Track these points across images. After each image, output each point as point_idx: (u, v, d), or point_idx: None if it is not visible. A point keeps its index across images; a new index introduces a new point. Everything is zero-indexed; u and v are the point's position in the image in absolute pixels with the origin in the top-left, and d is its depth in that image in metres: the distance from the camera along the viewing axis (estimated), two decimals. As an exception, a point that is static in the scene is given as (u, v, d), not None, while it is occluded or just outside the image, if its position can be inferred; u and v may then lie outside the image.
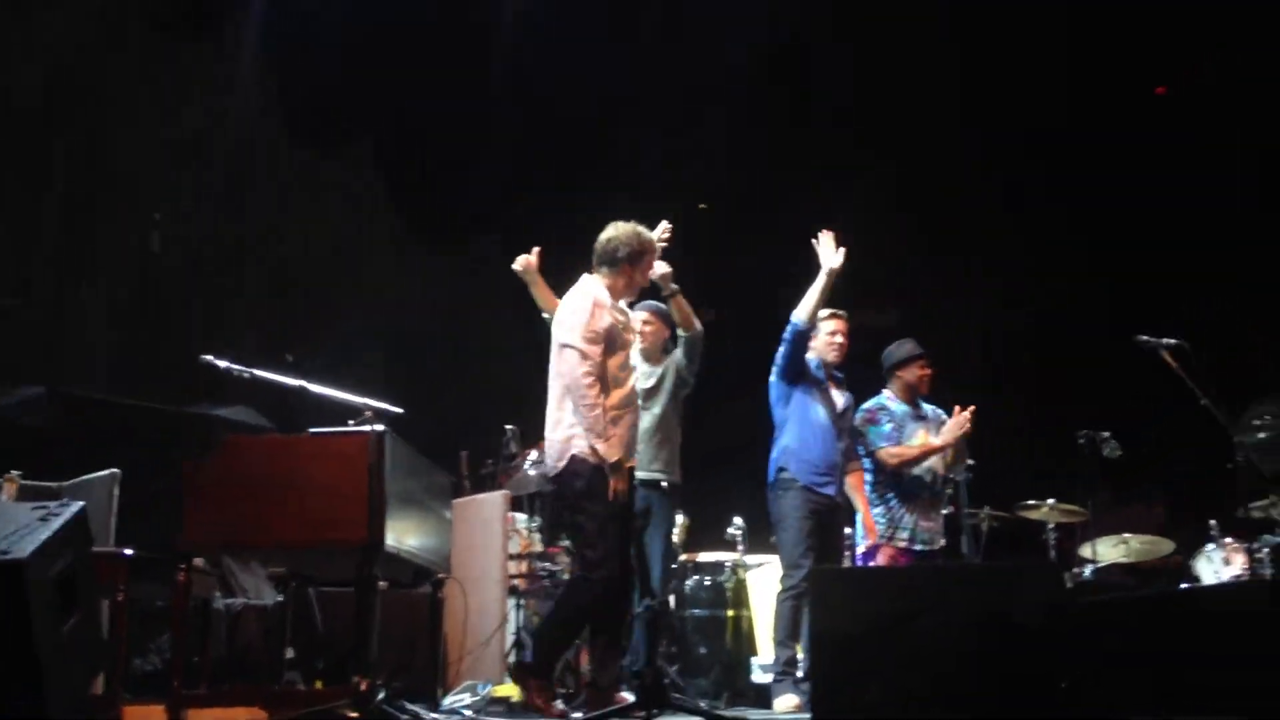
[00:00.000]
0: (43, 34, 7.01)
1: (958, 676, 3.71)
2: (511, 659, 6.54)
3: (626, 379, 5.37)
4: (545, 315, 5.89)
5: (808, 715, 5.64)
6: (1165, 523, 8.36)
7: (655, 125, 9.76)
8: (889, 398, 6.56)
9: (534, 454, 6.93)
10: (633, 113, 9.76)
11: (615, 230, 5.45)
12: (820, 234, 6.00)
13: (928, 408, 6.61)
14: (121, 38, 7.48)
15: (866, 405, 6.53)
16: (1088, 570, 7.45)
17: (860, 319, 10.29)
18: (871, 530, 6.36)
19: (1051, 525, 7.64)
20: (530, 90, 9.56)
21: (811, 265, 6.06)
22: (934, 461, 6.40)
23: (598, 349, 5.18)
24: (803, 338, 6.10)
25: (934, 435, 6.43)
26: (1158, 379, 6.23)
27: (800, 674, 6.01)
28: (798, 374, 6.17)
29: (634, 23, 9.21)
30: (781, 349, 6.15)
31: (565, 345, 5.21)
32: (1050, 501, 7.52)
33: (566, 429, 5.18)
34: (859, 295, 10.52)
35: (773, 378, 6.24)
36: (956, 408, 6.35)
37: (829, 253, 5.97)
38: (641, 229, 5.48)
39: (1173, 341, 5.90)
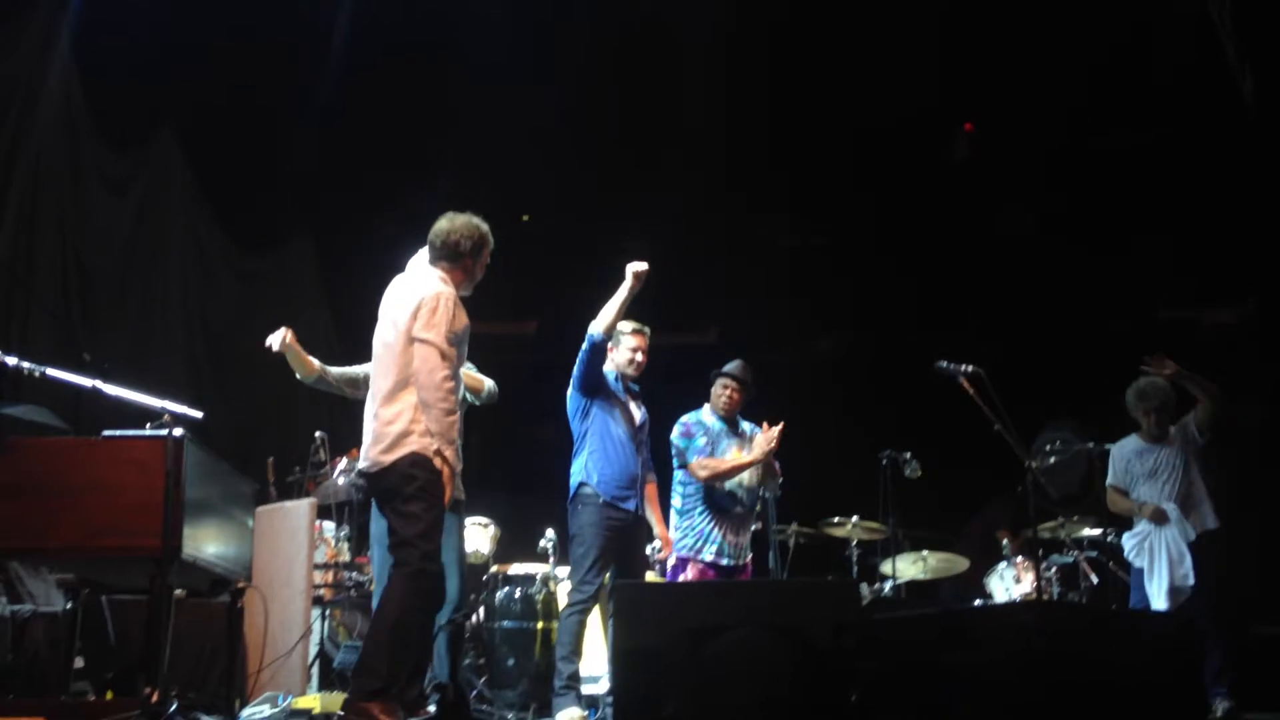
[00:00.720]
0: None
1: (756, 691, 3.79)
2: (315, 670, 6.42)
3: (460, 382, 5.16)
4: (304, 378, 5.79)
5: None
6: (991, 539, 8.67)
7: (473, 134, 9.73)
8: (706, 413, 6.65)
9: (344, 461, 6.83)
10: (450, 119, 9.71)
11: (452, 222, 5.14)
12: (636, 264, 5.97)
13: (747, 425, 6.71)
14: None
15: (684, 419, 6.60)
16: (887, 586, 7.70)
17: (680, 338, 10.51)
18: (667, 542, 6.44)
19: (855, 542, 7.87)
20: (346, 91, 9.42)
21: (619, 282, 6.10)
22: (746, 477, 6.51)
23: (454, 351, 4.89)
24: (599, 350, 6.14)
25: (747, 453, 6.55)
26: (960, 402, 6.47)
27: (601, 688, 6.08)
28: (595, 387, 6.19)
29: (453, 27, 9.15)
30: (579, 361, 6.17)
31: (424, 341, 4.82)
32: (854, 519, 7.75)
33: (405, 423, 4.81)
34: (679, 314, 10.76)
35: (570, 390, 6.27)
36: (765, 425, 6.48)
37: (634, 272, 5.96)
38: (478, 220, 5.19)
39: (970, 368, 6.13)
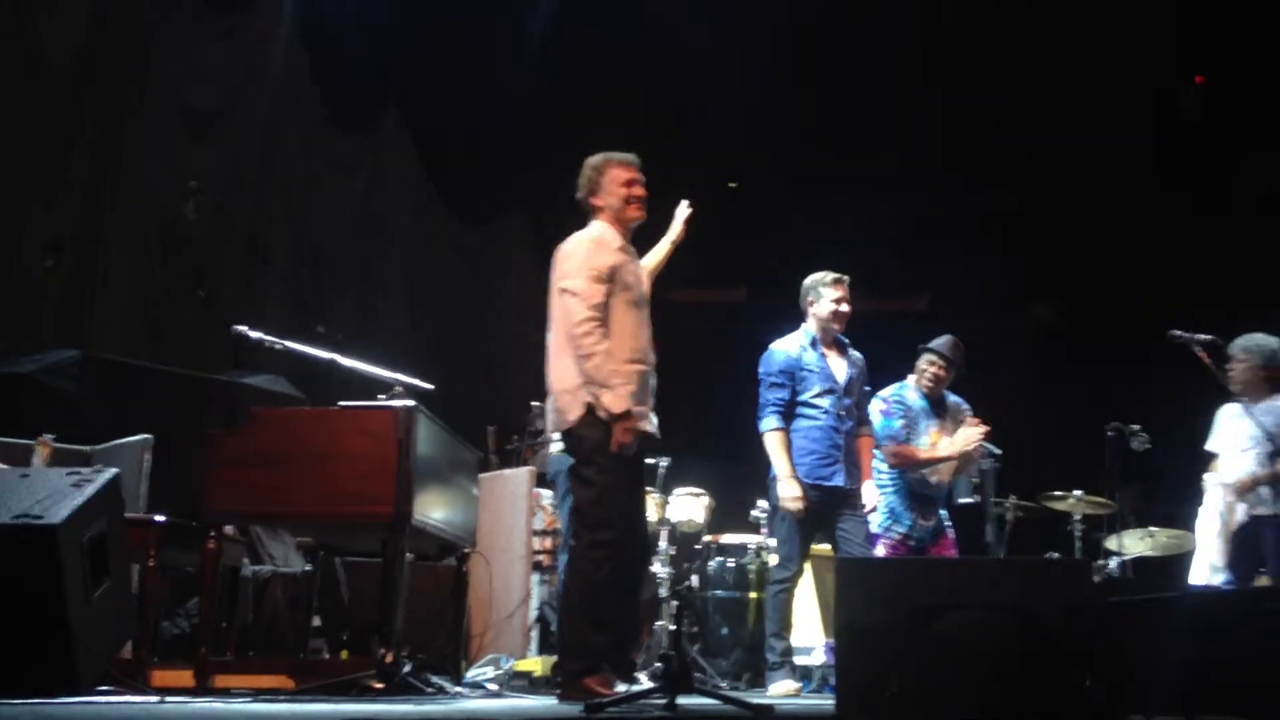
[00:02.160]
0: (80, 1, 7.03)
1: (985, 672, 3.69)
2: (534, 634, 6.58)
3: (636, 327, 4.82)
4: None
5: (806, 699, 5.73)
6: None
7: (682, 102, 9.72)
8: (909, 389, 6.45)
9: (561, 430, 6.93)
10: (657, 89, 9.73)
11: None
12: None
13: (953, 399, 6.49)
14: (157, 5, 7.51)
15: (884, 394, 6.40)
16: (1113, 563, 7.41)
17: (891, 304, 10.31)
18: (872, 497, 6.13)
19: (1078, 517, 7.59)
20: (554, 64, 9.54)
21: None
22: (941, 466, 6.31)
23: (599, 288, 4.67)
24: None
25: (948, 435, 6.32)
26: (1191, 373, 6.16)
27: (815, 660, 6.03)
28: (788, 398, 6.01)
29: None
30: (766, 389, 6.02)
31: (563, 291, 4.71)
32: (1077, 493, 7.47)
33: (572, 382, 4.64)
34: (891, 280, 10.58)
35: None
36: (970, 420, 6.26)
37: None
38: (594, 156, 5.00)
39: (1206, 338, 5.84)
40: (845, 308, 6.09)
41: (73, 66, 6.93)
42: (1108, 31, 8.83)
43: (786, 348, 6.07)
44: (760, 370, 6.10)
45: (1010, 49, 9.22)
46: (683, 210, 5.58)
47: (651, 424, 4.87)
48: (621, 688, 4.58)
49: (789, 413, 5.98)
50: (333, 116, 8.59)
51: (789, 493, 5.83)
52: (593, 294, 4.65)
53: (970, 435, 6.20)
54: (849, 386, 6.06)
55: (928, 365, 6.41)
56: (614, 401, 4.57)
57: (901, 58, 9.38)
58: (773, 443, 5.94)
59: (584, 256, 4.73)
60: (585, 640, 4.55)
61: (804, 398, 5.99)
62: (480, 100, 9.40)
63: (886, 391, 6.42)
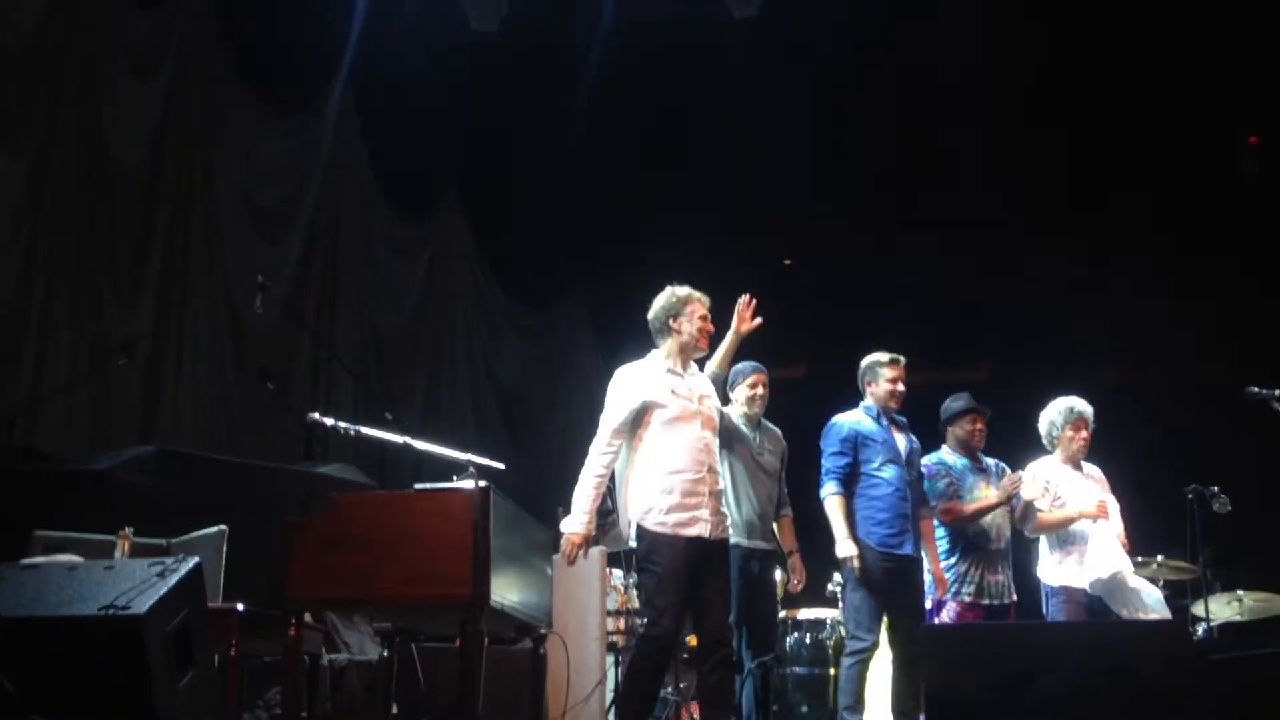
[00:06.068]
0: (145, 105, 7.24)
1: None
2: (611, 717, 6.48)
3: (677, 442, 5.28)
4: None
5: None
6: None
7: (734, 180, 9.80)
8: (947, 452, 6.50)
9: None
10: (711, 170, 9.82)
11: (652, 305, 5.48)
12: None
13: (990, 461, 6.53)
14: (221, 109, 7.73)
15: (925, 460, 6.43)
16: (1200, 629, 7.23)
17: (950, 374, 10.25)
18: (941, 582, 6.23)
19: (1160, 583, 7.41)
20: (608, 151, 9.66)
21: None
22: (998, 518, 6.31)
23: (619, 422, 5.28)
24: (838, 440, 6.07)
25: (994, 489, 6.33)
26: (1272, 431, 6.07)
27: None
28: (851, 465, 6.05)
29: (706, 76, 9.28)
30: (828, 455, 6.08)
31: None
32: (1159, 558, 7.31)
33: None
34: (949, 351, 10.52)
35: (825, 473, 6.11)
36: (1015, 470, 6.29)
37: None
38: (673, 288, 5.45)
39: (1286, 393, 5.75)
40: (901, 387, 6.20)
41: (140, 170, 7.13)
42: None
43: (849, 419, 6.17)
44: (822, 441, 6.19)
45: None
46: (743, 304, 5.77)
47: (707, 525, 5.26)
48: None
49: (851, 481, 6.03)
50: (392, 205, 8.74)
51: (847, 552, 5.87)
52: (610, 425, 5.29)
53: (1012, 477, 6.25)
54: (910, 459, 6.15)
55: (972, 424, 6.47)
56: (577, 523, 5.31)
57: (955, 113, 9.42)
58: (832, 506, 6.01)
59: (614, 395, 5.32)
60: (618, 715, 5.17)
61: (869, 469, 6.05)
62: (532, 184, 9.53)
63: (926, 459, 6.44)
